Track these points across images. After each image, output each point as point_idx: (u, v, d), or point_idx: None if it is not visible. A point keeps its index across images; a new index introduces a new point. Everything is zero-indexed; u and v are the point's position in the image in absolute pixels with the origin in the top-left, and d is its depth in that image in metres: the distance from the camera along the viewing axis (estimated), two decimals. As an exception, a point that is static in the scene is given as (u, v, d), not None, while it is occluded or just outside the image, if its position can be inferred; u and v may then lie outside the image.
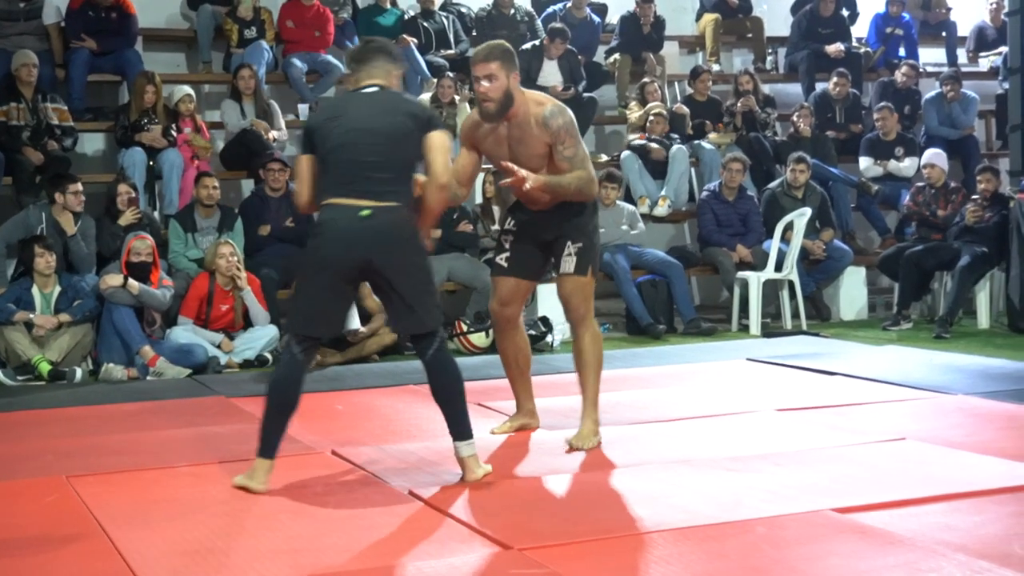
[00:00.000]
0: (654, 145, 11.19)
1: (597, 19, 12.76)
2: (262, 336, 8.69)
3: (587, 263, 5.67)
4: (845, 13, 13.55)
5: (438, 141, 4.92)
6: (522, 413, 6.07)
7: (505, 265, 5.78)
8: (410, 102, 5.14)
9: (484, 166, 10.57)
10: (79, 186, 8.78)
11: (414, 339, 5.06)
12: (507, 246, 5.79)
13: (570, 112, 5.61)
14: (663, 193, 11.08)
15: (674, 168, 11.16)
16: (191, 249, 9.19)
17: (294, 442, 5.88)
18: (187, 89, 10.28)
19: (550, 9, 12.67)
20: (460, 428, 5.00)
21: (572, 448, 5.56)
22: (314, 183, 4.97)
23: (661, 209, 11.06)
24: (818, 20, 13.20)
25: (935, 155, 10.93)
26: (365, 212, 4.77)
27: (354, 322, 8.62)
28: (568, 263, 5.67)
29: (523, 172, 5.33)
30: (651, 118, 11.27)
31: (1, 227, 8.84)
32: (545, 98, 5.64)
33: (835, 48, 12.92)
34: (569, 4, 12.49)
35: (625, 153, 11.25)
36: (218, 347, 8.58)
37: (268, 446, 4.95)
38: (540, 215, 5.69)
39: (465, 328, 9.25)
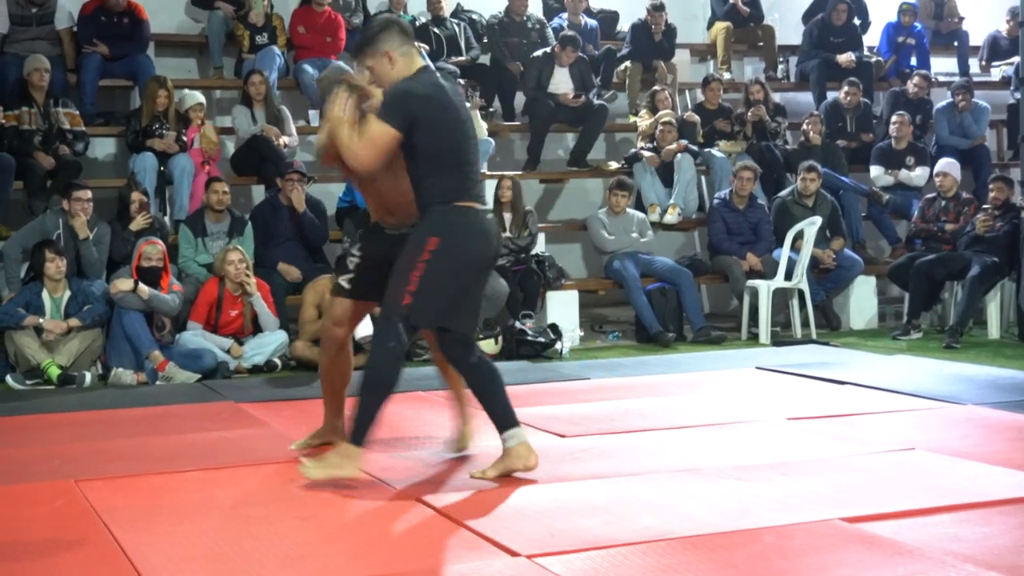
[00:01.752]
0: (647, 153, 11.19)
1: (594, 23, 12.78)
2: (271, 341, 8.69)
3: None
4: (857, 22, 13.54)
5: None
6: (326, 429, 5.86)
7: (348, 287, 5.65)
8: None
9: (498, 172, 10.66)
10: (87, 193, 8.79)
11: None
12: (351, 267, 5.67)
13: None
14: (672, 201, 11.07)
15: (681, 175, 11.15)
16: (201, 254, 9.20)
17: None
18: (199, 97, 10.29)
19: (558, 16, 12.67)
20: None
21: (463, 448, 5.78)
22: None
23: (671, 217, 11.05)
24: (830, 29, 13.19)
25: (948, 164, 10.92)
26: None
27: (365, 328, 8.62)
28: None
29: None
30: (660, 127, 11.25)
31: (18, 232, 8.87)
32: None
33: (846, 58, 12.91)
34: (567, 13, 12.54)
35: (648, 154, 11.22)
36: (227, 352, 8.59)
37: (369, 436, 5.03)
38: (395, 240, 5.48)
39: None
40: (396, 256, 5.25)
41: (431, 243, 4.95)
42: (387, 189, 5.44)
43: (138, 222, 8.95)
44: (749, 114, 11.84)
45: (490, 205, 4.99)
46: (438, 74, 5.16)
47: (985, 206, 10.27)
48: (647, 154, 11.19)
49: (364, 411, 4.96)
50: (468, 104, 5.49)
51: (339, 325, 5.68)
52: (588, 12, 12.92)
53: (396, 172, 5.26)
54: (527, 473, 5.17)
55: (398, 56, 5.05)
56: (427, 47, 11.63)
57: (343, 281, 5.66)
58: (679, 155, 11.16)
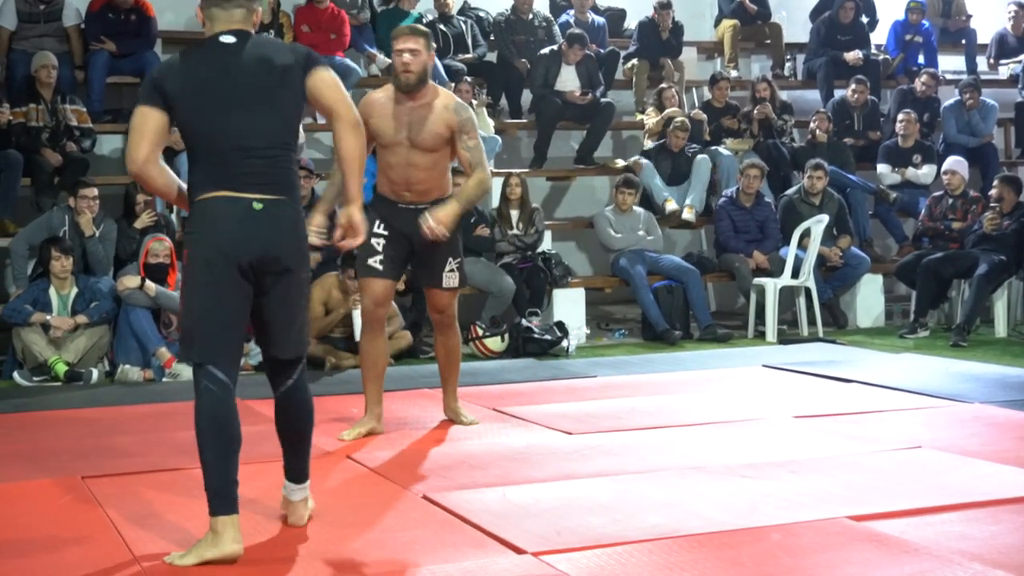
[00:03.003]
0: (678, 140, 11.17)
1: (601, 20, 12.77)
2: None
3: (464, 276, 6.13)
4: (864, 20, 13.52)
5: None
6: (371, 417, 6.11)
7: (380, 268, 5.95)
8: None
9: (505, 170, 10.66)
10: (93, 191, 8.80)
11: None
12: (379, 248, 5.94)
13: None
14: (688, 201, 11.02)
15: (698, 176, 11.10)
16: (208, 251, 9.20)
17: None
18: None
19: (565, 13, 12.67)
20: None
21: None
22: None
23: (689, 215, 11.03)
24: (837, 27, 13.17)
25: (956, 162, 10.90)
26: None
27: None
28: (451, 279, 6.04)
29: (437, 229, 5.72)
30: (673, 127, 11.17)
31: (24, 228, 8.88)
32: (451, 93, 6.11)
33: (854, 55, 12.88)
34: (574, 10, 12.53)
35: (644, 161, 11.19)
36: None
37: (227, 500, 4.12)
38: (410, 216, 5.88)
39: (481, 332, 9.24)
40: (415, 230, 5.72)
41: (185, 258, 4.25)
42: (412, 165, 5.81)
43: (143, 220, 8.96)
44: (756, 112, 11.82)
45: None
46: (228, 37, 4.28)
47: (993, 204, 10.25)
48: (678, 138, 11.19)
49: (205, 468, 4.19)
50: (475, 101, 5.38)
51: (379, 305, 5.99)
52: (595, 9, 12.91)
53: (419, 144, 5.76)
54: (534, 471, 5.16)
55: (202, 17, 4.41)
56: (434, 45, 11.62)
57: (374, 263, 5.92)
58: (698, 157, 11.11)
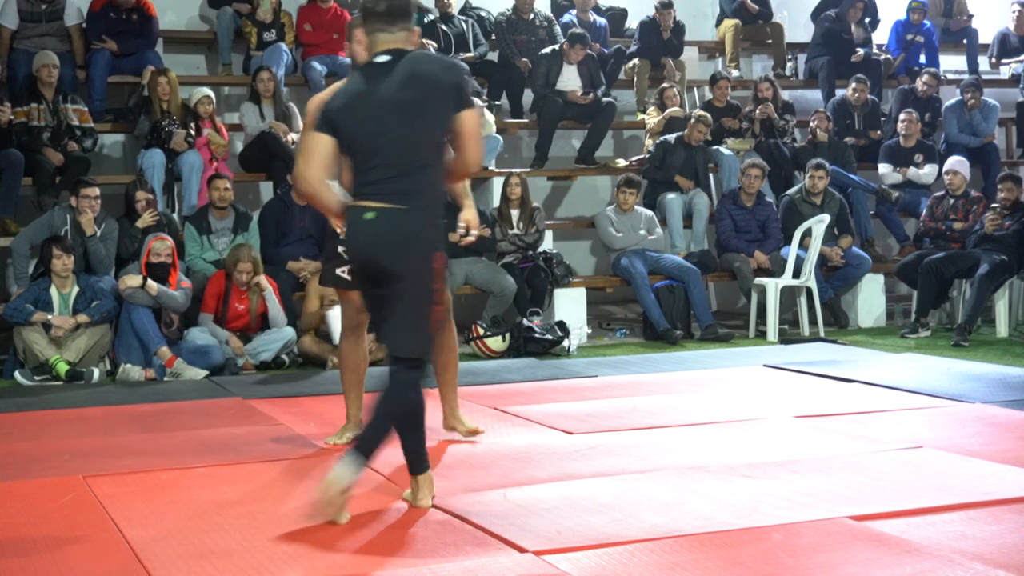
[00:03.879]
0: (681, 180, 11.08)
1: (602, 21, 12.77)
2: (280, 338, 8.69)
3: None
4: (867, 20, 13.53)
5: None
6: (353, 424, 5.85)
7: (348, 278, 5.54)
8: None
9: (506, 169, 10.67)
10: (95, 190, 8.79)
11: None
12: (347, 257, 5.42)
13: None
14: (692, 247, 10.95)
15: (698, 216, 11.03)
16: (207, 251, 9.22)
17: (308, 445, 5.90)
18: (206, 91, 10.31)
19: (567, 13, 12.66)
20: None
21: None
22: None
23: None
24: (843, 26, 13.17)
25: (958, 162, 10.90)
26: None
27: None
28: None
29: (482, 231, 5.42)
30: (695, 119, 11.13)
31: (26, 228, 8.88)
32: None
33: (859, 54, 12.87)
34: (575, 10, 12.52)
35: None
36: (226, 343, 8.57)
37: (422, 461, 4.71)
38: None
39: (482, 332, 9.24)
40: None
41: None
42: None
43: (145, 219, 8.96)
44: (757, 112, 11.82)
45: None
46: (383, 56, 4.59)
47: (994, 205, 10.25)
48: (681, 180, 11.08)
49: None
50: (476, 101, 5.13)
51: (362, 311, 5.59)
52: (597, 10, 12.91)
53: None
54: (535, 470, 5.16)
55: (362, 36, 4.81)
56: (435, 44, 11.63)
57: (342, 273, 5.62)
58: (696, 199, 11.02)
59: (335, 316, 8.43)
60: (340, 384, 7.50)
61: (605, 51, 12.34)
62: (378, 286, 4.54)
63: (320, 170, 4.55)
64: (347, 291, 5.66)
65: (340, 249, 5.54)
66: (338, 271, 5.64)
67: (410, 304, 4.48)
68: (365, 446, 4.50)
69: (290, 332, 8.78)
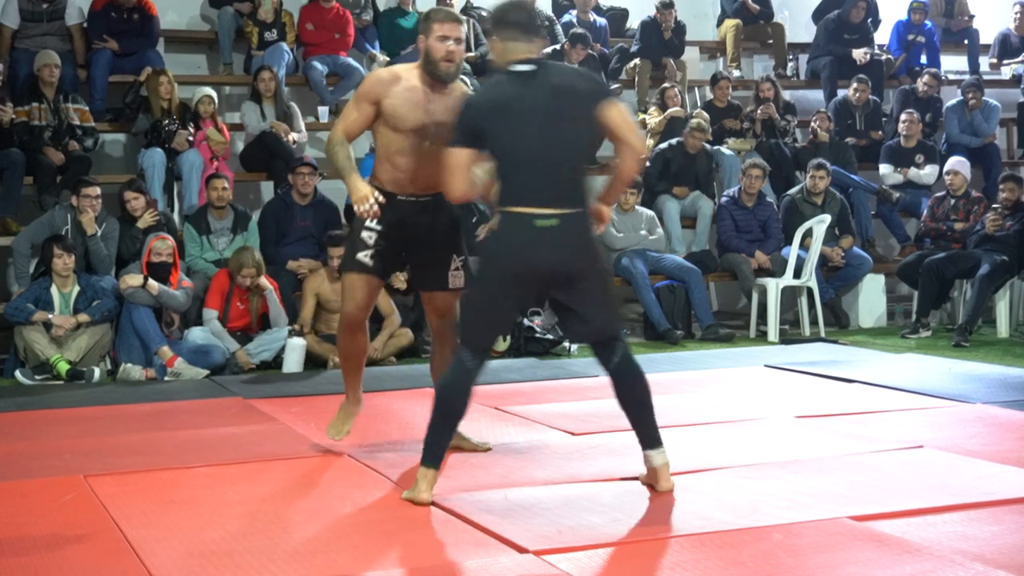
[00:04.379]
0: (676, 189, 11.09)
1: (603, 22, 12.77)
2: (280, 338, 8.68)
3: (470, 274, 5.55)
4: (868, 20, 13.53)
5: None
6: (352, 401, 5.84)
7: (370, 263, 5.40)
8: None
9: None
10: (96, 190, 8.80)
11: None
12: (370, 242, 5.39)
13: None
14: (687, 247, 11.00)
15: (702, 218, 11.05)
16: (208, 251, 9.22)
17: (310, 444, 5.90)
18: (207, 90, 10.31)
19: (567, 13, 12.66)
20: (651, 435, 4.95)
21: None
22: None
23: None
24: (846, 26, 13.17)
25: (959, 163, 10.90)
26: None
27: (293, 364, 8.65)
28: (457, 278, 5.53)
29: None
30: (689, 128, 11.12)
31: (27, 227, 8.89)
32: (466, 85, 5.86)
33: (860, 53, 12.87)
34: (575, 10, 12.51)
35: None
36: (234, 355, 8.57)
37: (432, 456, 4.76)
38: (414, 215, 5.42)
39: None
40: (414, 224, 5.35)
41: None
42: (426, 156, 5.31)
43: (145, 219, 8.95)
44: (759, 112, 11.82)
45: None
46: (525, 66, 4.74)
47: (995, 205, 10.25)
48: (677, 190, 11.08)
49: (431, 431, 4.81)
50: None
51: (363, 309, 5.53)
52: (597, 10, 12.91)
53: (434, 135, 5.29)
54: (536, 471, 5.16)
55: (498, 44, 4.85)
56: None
57: (363, 257, 5.40)
58: (700, 201, 11.03)
59: (294, 346, 8.46)
60: (340, 384, 7.50)
61: (606, 51, 12.33)
62: (552, 288, 4.75)
63: (467, 182, 4.72)
64: (364, 276, 5.42)
65: (364, 235, 5.38)
66: (359, 255, 5.41)
67: (602, 292, 4.77)
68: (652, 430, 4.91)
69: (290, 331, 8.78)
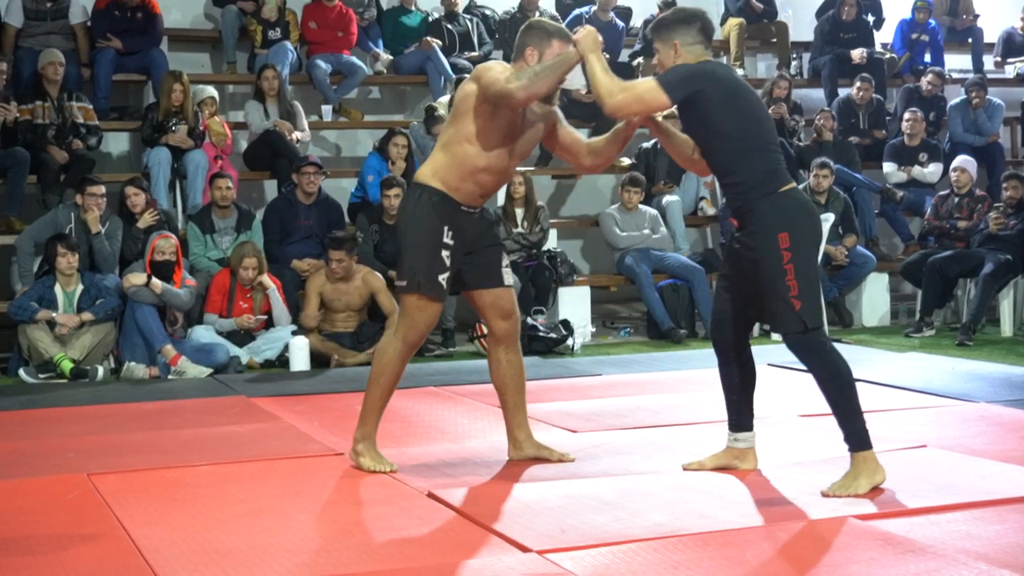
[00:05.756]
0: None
1: (621, 24, 12.75)
2: (284, 337, 8.69)
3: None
4: (871, 19, 13.53)
5: None
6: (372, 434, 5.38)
7: (446, 287, 5.16)
8: None
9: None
10: (100, 188, 8.80)
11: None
12: (448, 263, 5.11)
13: None
14: (705, 195, 11.10)
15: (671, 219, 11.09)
16: (211, 250, 9.22)
17: (313, 443, 5.90)
18: (211, 92, 10.31)
19: (575, 12, 12.65)
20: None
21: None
22: None
23: (710, 209, 11.08)
24: (840, 24, 13.17)
25: (965, 161, 10.91)
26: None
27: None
28: (509, 275, 5.37)
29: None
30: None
31: (30, 226, 8.89)
32: None
33: (858, 53, 12.87)
34: (595, 7, 12.47)
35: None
36: (240, 335, 8.61)
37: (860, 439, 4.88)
38: (472, 225, 5.23)
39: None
40: (472, 234, 5.14)
41: (783, 240, 4.79)
42: (505, 173, 5.22)
43: (146, 219, 8.94)
44: (771, 112, 11.81)
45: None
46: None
47: (997, 204, 10.24)
48: (657, 188, 11.08)
49: (853, 414, 4.94)
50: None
51: (426, 333, 5.31)
52: (617, 11, 12.76)
53: (520, 154, 5.24)
54: (539, 469, 5.16)
55: (684, 50, 4.99)
56: (440, 43, 11.64)
57: (444, 280, 5.10)
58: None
59: (299, 344, 8.47)
60: (343, 382, 7.49)
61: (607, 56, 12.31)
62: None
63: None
64: (430, 307, 5.16)
65: (444, 253, 5.08)
66: (440, 277, 5.09)
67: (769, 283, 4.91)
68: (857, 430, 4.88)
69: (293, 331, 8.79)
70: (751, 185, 4.84)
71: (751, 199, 4.85)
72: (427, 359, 8.74)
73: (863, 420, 4.87)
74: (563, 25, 5.37)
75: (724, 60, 13.47)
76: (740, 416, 5.31)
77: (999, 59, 14.07)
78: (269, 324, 8.84)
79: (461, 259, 5.19)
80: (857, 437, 4.83)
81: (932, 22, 13.63)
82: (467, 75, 5.37)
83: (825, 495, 4.69)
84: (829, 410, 6.54)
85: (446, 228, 5.08)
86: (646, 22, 12.61)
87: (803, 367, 8.09)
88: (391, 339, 5.25)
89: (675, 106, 4.92)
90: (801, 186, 10.87)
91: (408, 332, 5.17)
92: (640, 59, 12.49)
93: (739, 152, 4.86)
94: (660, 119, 5.34)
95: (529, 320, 9.35)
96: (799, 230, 4.81)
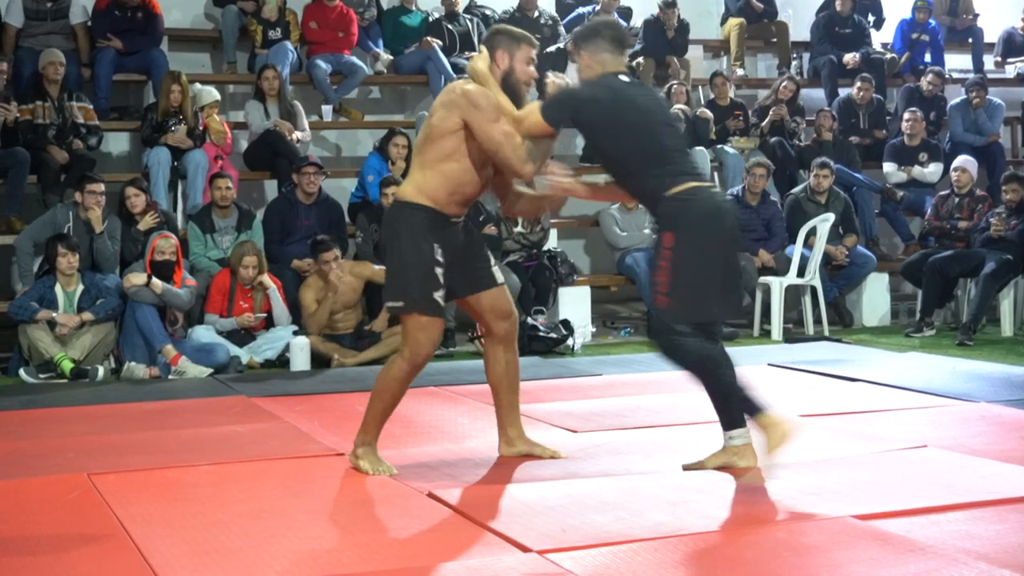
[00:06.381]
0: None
1: (623, 23, 12.74)
2: (284, 336, 8.69)
3: None
4: (871, 18, 13.53)
5: None
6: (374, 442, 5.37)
7: (443, 304, 5.15)
8: None
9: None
10: (100, 186, 8.80)
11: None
12: (442, 280, 5.11)
13: None
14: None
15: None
16: (211, 250, 9.23)
17: (313, 443, 5.91)
18: (215, 95, 10.30)
19: (576, 12, 12.65)
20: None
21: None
22: None
23: None
24: (836, 19, 13.18)
25: (966, 161, 10.92)
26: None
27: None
28: (499, 273, 5.45)
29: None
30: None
31: (29, 226, 8.89)
32: None
33: (851, 57, 12.85)
34: (598, 7, 12.48)
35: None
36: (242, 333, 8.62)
37: (753, 407, 5.02)
38: (458, 234, 5.27)
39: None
40: (459, 242, 5.20)
41: (667, 240, 4.93)
42: (485, 181, 5.24)
43: (147, 221, 8.94)
44: (771, 113, 11.82)
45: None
46: (627, 78, 5.17)
47: (998, 210, 10.22)
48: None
49: (726, 399, 5.06)
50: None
51: (433, 351, 5.27)
52: (621, 12, 12.78)
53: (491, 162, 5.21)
54: (539, 469, 5.16)
55: (590, 60, 5.17)
56: (440, 43, 11.64)
57: (439, 297, 5.11)
58: (696, 148, 11.09)
59: (300, 345, 8.47)
60: (343, 383, 7.50)
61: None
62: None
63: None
64: (432, 325, 5.16)
65: (437, 271, 5.10)
66: (436, 295, 5.10)
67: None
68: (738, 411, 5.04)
69: (294, 330, 8.79)
70: (648, 192, 5.04)
71: (652, 204, 5.06)
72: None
73: (738, 400, 5.03)
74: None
75: (724, 60, 13.50)
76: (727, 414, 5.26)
77: (999, 59, 14.07)
78: (269, 324, 8.84)
79: (454, 273, 5.22)
80: (728, 417, 5.08)
81: (932, 22, 13.63)
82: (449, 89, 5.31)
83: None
84: (829, 410, 6.60)
85: (436, 245, 5.10)
86: (646, 22, 12.62)
87: (803, 367, 8.14)
88: (396, 359, 5.26)
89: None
90: (801, 186, 10.91)
91: (413, 354, 5.17)
92: (640, 59, 12.50)
93: (632, 167, 5.07)
94: (583, 184, 5.49)
95: (529, 320, 9.35)
96: (685, 230, 4.90)
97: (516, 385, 5.49)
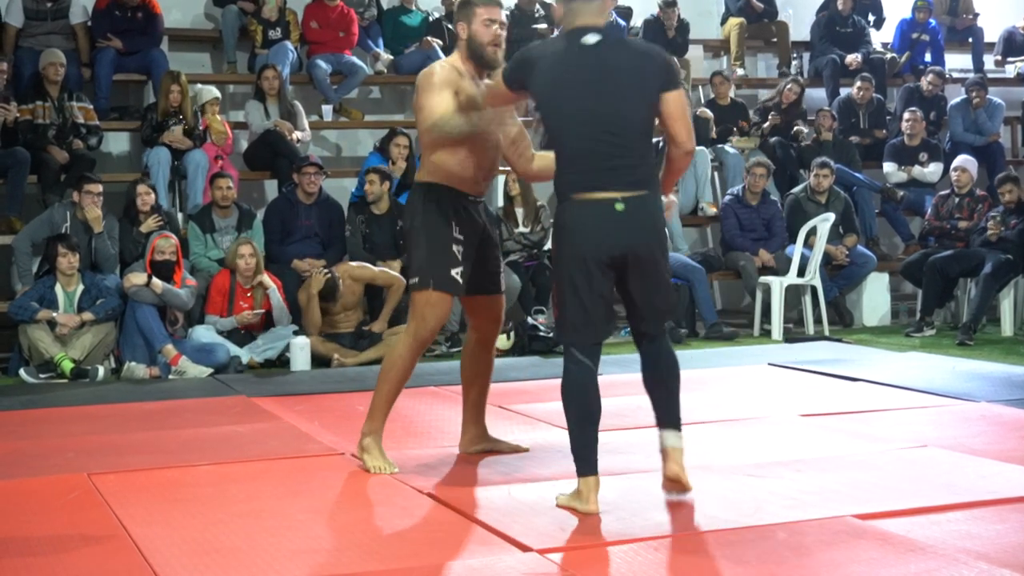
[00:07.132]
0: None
1: (623, 23, 12.75)
2: (284, 336, 8.69)
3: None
4: (871, 18, 13.52)
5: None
6: (379, 431, 5.39)
7: (461, 281, 5.13)
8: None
9: (506, 167, 10.64)
10: (98, 186, 8.80)
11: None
12: (460, 257, 5.11)
13: None
14: (707, 199, 11.15)
15: (696, 170, 11.13)
16: (212, 250, 9.22)
17: (313, 443, 5.91)
18: (215, 93, 10.30)
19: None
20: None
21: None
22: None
23: (710, 209, 11.11)
24: (836, 19, 13.17)
25: (966, 160, 10.92)
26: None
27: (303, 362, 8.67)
28: (502, 280, 5.44)
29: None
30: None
31: (27, 226, 8.89)
32: None
33: (852, 58, 12.84)
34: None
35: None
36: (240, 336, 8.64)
37: (587, 463, 4.57)
38: (479, 217, 5.24)
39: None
40: (480, 227, 5.17)
41: (554, 250, 4.68)
42: (493, 147, 5.19)
43: (148, 224, 8.93)
44: (771, 116, 11.81)
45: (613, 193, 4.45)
46: (592, 36, 4.54)
47: (992, 214, 10.22)
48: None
49: (574, 438, 4.67)
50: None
51: (437, 330, 5.29)
52: (619, 11, 12.77)
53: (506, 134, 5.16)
54: (540, 469, 5.17)
55: (561, 8, 4.70)
56: (440, 42, 11.63)
57: (457, 275, 5.11)
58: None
59: (301, 344, 8.47)
60: (344, 382, 7.49)
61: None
62: (621, 272, 4.67)
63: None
64: (443, 302, 5.16)
65: (455, 248, 5.10)
66: (453, 272, 5.11)
67: (665, 278, 4.76)
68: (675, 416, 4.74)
69: (294, 330, 8.79)
70: (556, 188, 4.64)
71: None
72: (427, 359, 8.73)
73: (580, 446, 4.61)
74: None
75: (724, 60, 13.49)
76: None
77: (999, 58, 14.06)
78: (269, 323, 8.84)
79: (474, 259, 5.21)
80: (576, 458, 4.61)
81: (932, 22, 13.62)
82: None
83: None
84: (829, 410, 6.60)
85: (453, 223, 5.12)
86: (646, 22, 12.61)
87: (803, 367, 8.13)
88: (401, 336, 5.33)
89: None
90: (801, 186, 10.91)
91: (418, 328, 5.19)
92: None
93: (557, 151, 4.64)
94: None
95: (530, 320, 9.35)
96: (562, 244, 4.58)
97: (488, 386, 5.58)
